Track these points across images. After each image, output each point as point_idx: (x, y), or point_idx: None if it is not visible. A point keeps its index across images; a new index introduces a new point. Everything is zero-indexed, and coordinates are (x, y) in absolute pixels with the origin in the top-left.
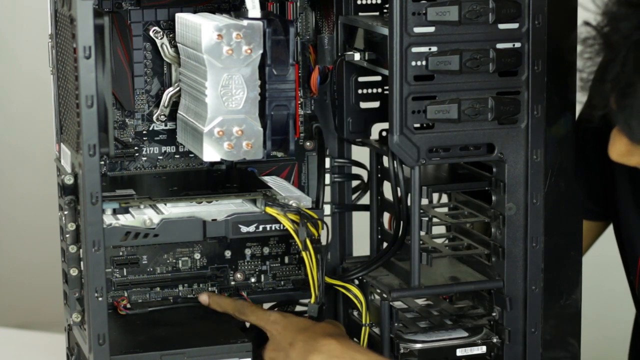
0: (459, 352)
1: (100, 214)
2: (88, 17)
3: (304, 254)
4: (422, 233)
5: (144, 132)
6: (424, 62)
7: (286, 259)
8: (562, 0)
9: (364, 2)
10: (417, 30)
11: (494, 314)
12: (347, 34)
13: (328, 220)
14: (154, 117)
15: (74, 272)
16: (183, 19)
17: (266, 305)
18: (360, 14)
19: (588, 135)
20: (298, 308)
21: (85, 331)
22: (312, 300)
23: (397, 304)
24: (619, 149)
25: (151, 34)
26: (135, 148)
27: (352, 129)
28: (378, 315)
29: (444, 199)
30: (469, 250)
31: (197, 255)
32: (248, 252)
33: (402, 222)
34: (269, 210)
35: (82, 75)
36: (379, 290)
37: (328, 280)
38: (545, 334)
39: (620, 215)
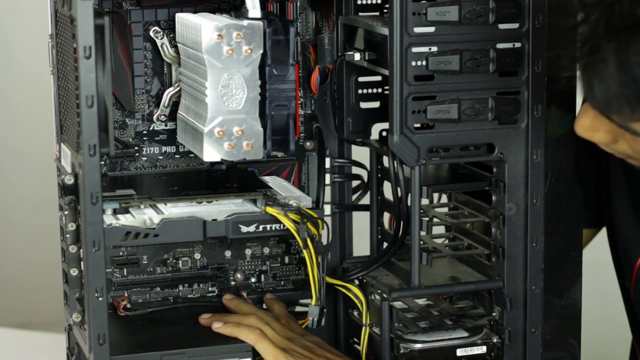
0: (459, 352)
1: (100, 214)
2: (88, 17)
3: (304, 252)
4: (422, 233)
5: (144, 132)
6: (424, 62)
7: (286, 259)
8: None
9: (364, 2)
10: (417, 30)
11: (494, 314)
12: (347, 34)
13: (328, 220)
14: (154, 117)
15: (74, 272)
16: (183, 19)
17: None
18: (360, 14)
19: (582, 141)
20: (298, 308)
21: (86, 331)
22: (313, 302)
23: (397, 304)
24: (585, 123)
25: (151, 34)
26: (136, 148)
27: (352, 129)
28: (378, 315)
29: (444, 199)
30: (469, 250)
31: (197, 255)
32: (248, 252)
33: (402, 222)
34: (269, 210)
35: (82, 75)
36: (379, 290)
37: (328, 280)
38: (545, 334)
39: (616, 221)
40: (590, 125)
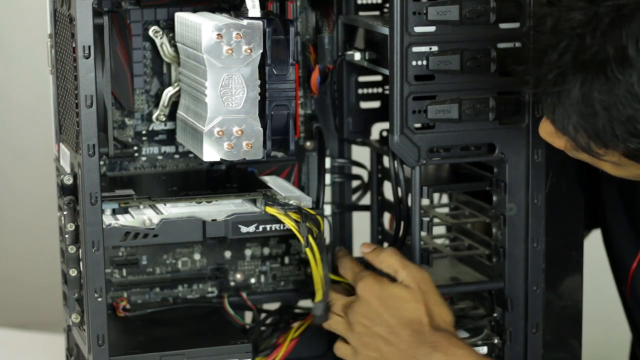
0: None
1: (99, 214)
2: (87, 16)
3: (307, 251)
4: (423, 233)
5: (144, 132)
6: (424, 62)
7: (286, 260)
8: None
9: (364, 1)
10: (417, 29)
11: (495, 314)
12: (347, 34)
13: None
14: (154, 117)
15: (73, 272)
16: (182, 18)
17: (267, 306)
18: (360, 13)
19: None
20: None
21: (85, 332)
22: (318, 298)
23: None
24: (548, 128)
25: (150, 33)
26: (135, 148)
27: (352, 129)
28: None
29: (445, 199)
30: (469, 251)
31: (196, 256)
32: (248, 252)
33: (402, 223)
34: (269, 209)
35: (81, 75)
36: None
37: (332, 277)
38: (546, 334)
39: (609, 227)
40: (552, 131)
